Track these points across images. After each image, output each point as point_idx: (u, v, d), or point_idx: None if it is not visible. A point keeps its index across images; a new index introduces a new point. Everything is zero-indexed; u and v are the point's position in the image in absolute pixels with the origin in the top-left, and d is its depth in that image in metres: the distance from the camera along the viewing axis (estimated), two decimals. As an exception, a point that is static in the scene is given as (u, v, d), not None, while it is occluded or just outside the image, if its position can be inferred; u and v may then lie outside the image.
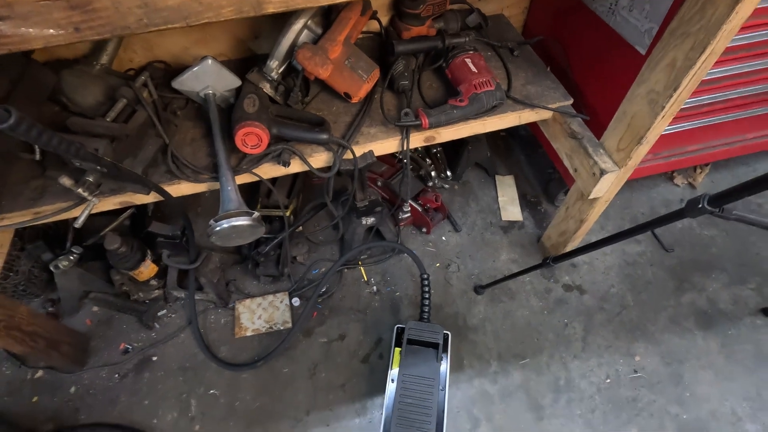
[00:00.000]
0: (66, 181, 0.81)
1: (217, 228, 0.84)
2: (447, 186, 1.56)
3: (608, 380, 1.17)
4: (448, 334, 1.14)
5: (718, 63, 0.99)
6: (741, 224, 1.43)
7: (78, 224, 0.84)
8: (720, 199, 0.63)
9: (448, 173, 1.55)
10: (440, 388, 1.06)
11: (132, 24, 0.45)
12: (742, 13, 0.65)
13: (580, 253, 0.95)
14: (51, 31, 0.42)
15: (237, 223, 0.84)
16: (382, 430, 1.01)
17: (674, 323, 1.26)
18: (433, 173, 1.50)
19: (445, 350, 1.12)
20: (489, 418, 1.12)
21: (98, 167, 0.76)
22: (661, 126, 0.86)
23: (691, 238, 1.42)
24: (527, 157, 1.64)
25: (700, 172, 1.55)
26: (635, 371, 1.18)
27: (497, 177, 1.58)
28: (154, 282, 1.27)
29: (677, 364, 1.19)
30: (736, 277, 1.34)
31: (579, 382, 1.17)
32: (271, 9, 0.47)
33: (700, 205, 0.64)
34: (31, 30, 0.42)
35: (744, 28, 0.92)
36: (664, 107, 0.81)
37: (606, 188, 1.01)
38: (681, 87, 0.77)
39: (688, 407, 1.12)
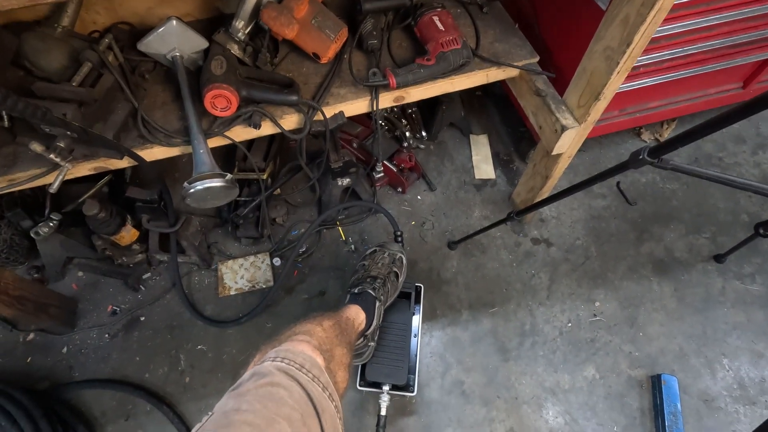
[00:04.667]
0: (36, 147, 0.82)
1: (191, 190, 0.87)
2: (422, 146, 1.59)
3: (569, 324, 1.26)
4: (420, 287, 1.21)
5: (674, 18, 1.01)
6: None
7: (53, 189, 0.86)
8: (658, 151, 0.68)
9: (424, 133, 1.57)
10: (413, 335, 1.14)
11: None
12: (687, -31, 0.67)
13: (539, 207, 1.00)
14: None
15: (210, 185, 0.87)
16: (359, 371, 1.09)
17: (633, 271, 1.35)
18: (408, 133, 1.53)
19: (417, 301, 1.20)
20: (460, 361, 1.21)
21: (68, 132, 0.77)
22: (617, 82, 0.89)
23: (654, 192, 1.49)
24: (501, 115, 1.67)
25: (667, 128, 1.60)
26: (594, 315, 1.28)
27: (471, 136, 1.61)
28: (136, 246, 1.30)
29: (633, 308, 1.29)
30: (692, 227, 1.42)
31: (543, 326, 1.26)
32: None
33: (640, 156, 0.69)
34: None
35: (699, -17, 0.94)
36: (618, 63, 0.84)
37: (567, 144, 1.05)
38: (634, 42, 0.80)
39: (640, 345, 1.23)
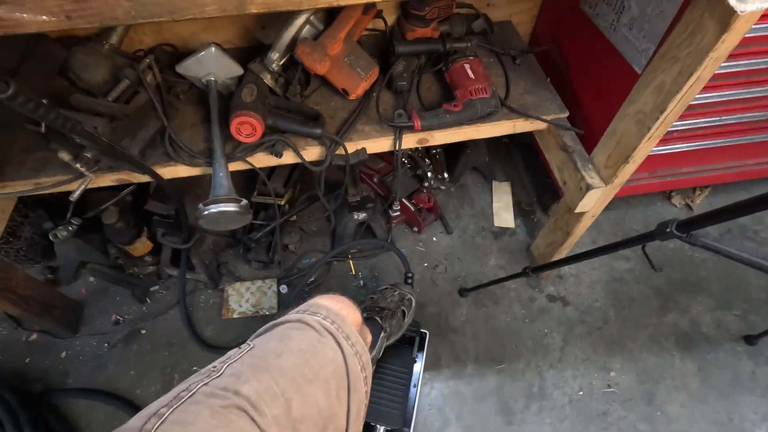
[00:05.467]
0: (65, 156, 0.85)
1: (205, 212, 0.87)
2: (443, 187, 1.58)
3: (581, 392, 1.18)
4: (425, 333, 1.16)
5: (713, 88, 0.99)
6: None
7: (73, 198, 0.87)
8: (688, 225, 0.64)
9: (446, 175, 1.56)
10: (413, 384, 1.09)
11: (120, 16, 0.47)
12: (728, 43, 0.65)
13: (557, 266, 0.96)
14: (44, 17, 0.45)
15: (224, 209, 0.87)
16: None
17: (654, 342, 1.26)
18: (429, 174, 1.52)
19: (421, 348, 1.15)
20: (459, 417, 1.14)
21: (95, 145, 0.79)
22: (648, 147, 0.87)
23: (682, 259, 1.42)
24: (526, 164, 1.65)
25: (699, 194, 1.54)
26: (609, 386, 1.19)
27: (494, 183, 1.58)
28: (148, 258, 1.31)
29: (652, 383, 1.20)
30: (722, 301, 1.33)
31: (552, 391, 1.19)
32: (253, 9, 0.49)
33: (668, 230, 0.65)
34: (25, 15, 0.45)
35: (738, 55, 0.91)
36: (650, 128, 0.82)
37: (592, 203, 1.02)
38: (667, 110, 0.78)
39: (658, 426, 1.13)
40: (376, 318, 0.99)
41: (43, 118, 0.65)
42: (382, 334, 0.97)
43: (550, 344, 1.26)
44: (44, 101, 0.65)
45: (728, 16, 0.62)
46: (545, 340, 1.26)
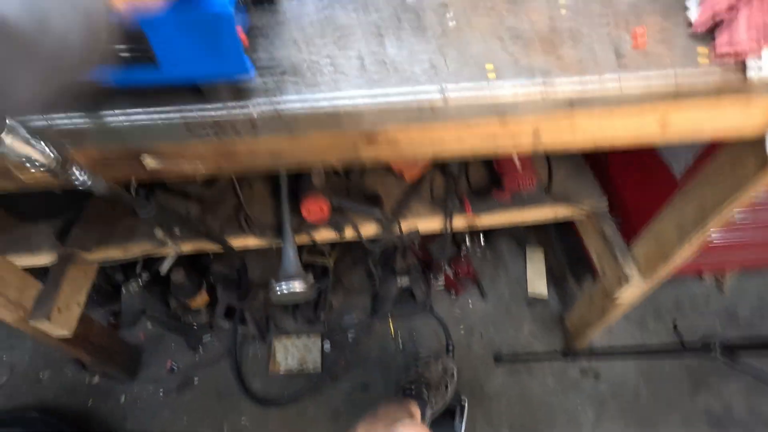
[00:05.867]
0: (159, 233, 0.96)
1: (278, 290, 0.97)
2: (479, 252, 1.65)
3: (614, 471, 1.21)
4: (465, 405, 1.21)
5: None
6: None
7: (162, 270, 0.98)
8: (733, 350, 0.70)
9: (482, 240, 1.64)
10: (451, 454, 1.14)
11: (259, 166, 0.58)
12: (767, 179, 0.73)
13: (596, 358, 1.01)
14: (201, 168, 0.56)
15: (296, 289, 0.97)
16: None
17: (686, 424, 1.29)
18: (468, 240, 1.60)
19: (461, 416, 1.20)
20: (494, 489, 1.18)
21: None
22: (687, 252, 0.93)
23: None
24: (561, 233, 1.71)
25: (730, 273, 1.58)
26: (641, 467, 1.22)
27: (528, 250, 1.65)
28: (203, 309, 1.40)
29: (685, 466, 1.22)
30: (755, 388, 1.35)
31: (585, 468, 1.22)
32: (366, 160, 0.60)
33: (712, 353, 0.71)
34: (186, 166, 0.56)
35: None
36: (689, 235, 0.89)
37: (630, 296, 1.08)
38: (707, 225, 0.85)
39: None
40: (423, 392, 1.05)
41: (163, 222, 0.76)
42: (429, 410, 1.03)
43: (584, 419, 1.29)
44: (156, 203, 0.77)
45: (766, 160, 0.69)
46: (578, 415, 1.30)
